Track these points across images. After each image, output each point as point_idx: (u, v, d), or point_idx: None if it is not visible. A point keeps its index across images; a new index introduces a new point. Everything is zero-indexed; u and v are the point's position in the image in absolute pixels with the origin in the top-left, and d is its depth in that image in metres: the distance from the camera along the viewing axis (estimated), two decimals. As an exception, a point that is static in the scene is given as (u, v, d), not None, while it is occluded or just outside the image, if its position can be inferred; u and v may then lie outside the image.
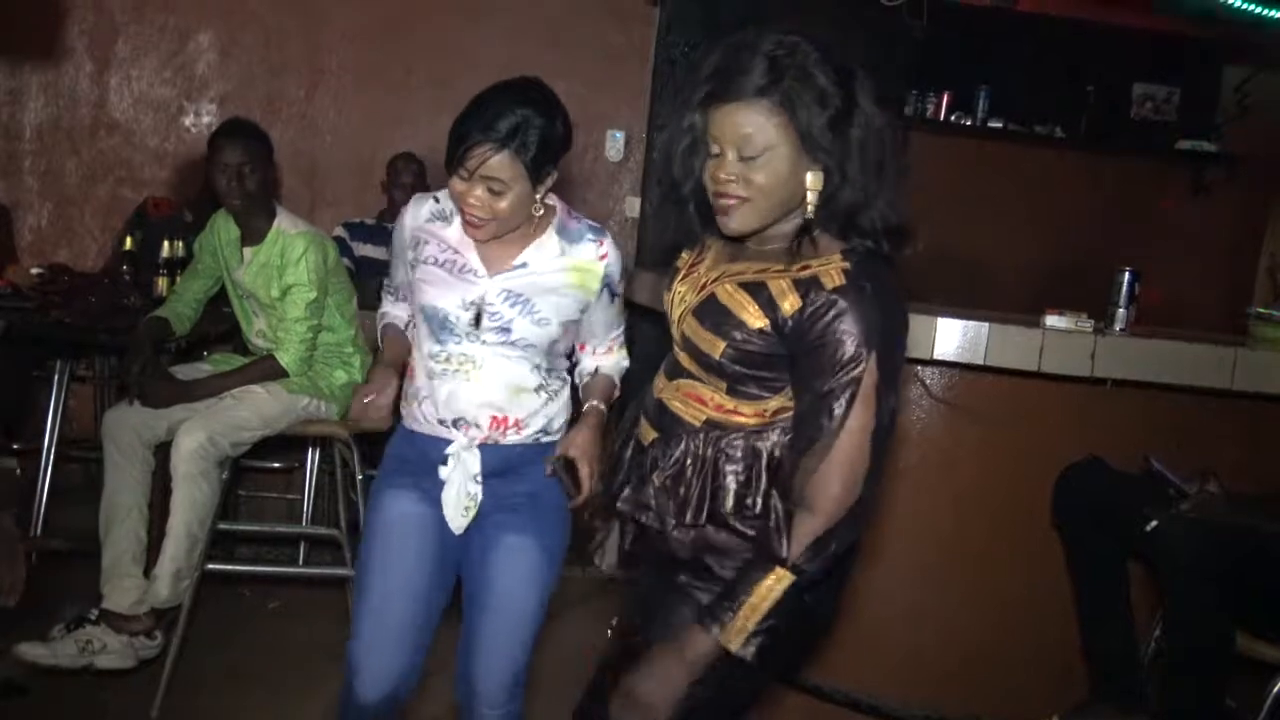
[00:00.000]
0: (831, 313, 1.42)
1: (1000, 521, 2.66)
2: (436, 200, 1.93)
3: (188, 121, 4.24)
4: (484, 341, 1.86)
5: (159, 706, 2.68)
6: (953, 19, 4.38)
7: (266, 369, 2.88)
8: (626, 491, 1.63)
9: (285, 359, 2.87)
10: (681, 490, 1.55)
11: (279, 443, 3.06)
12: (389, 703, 1.95)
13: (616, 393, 2.05)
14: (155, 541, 2.80)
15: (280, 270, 2.89)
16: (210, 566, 2.84)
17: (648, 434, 1.64)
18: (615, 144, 4.46)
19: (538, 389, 1.91)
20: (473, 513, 1.90)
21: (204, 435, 2.70)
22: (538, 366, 1.90)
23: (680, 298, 1.61)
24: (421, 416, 1.91)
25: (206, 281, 3.09)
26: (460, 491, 1.89)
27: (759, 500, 1.51)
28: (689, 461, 1.55)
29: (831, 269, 1.45)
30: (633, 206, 4.50)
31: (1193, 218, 4.87)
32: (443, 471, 1.89)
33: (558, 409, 1.96)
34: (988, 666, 2.65)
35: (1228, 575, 2.15)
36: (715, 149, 1.47)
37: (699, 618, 1.49)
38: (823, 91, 1.42)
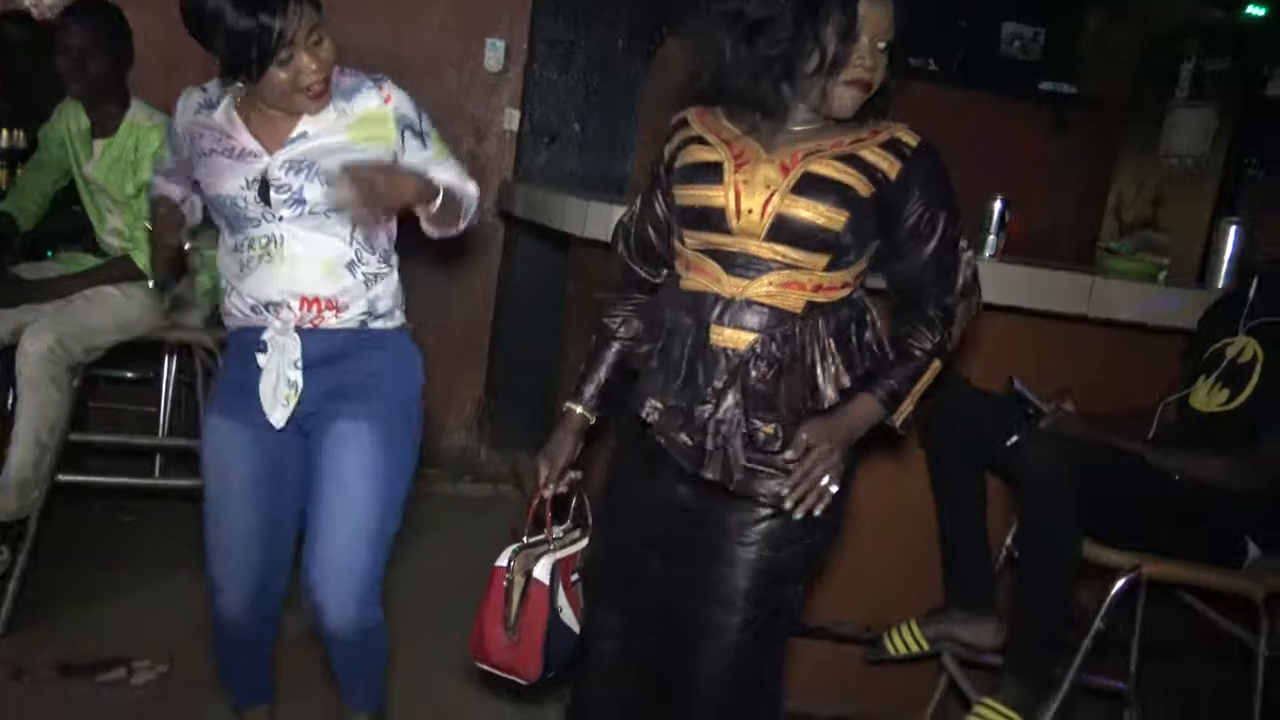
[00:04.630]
0: (925, 169, 1.62)
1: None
2: (204, 90, 1.86)
3: (28, 2, 3.89)
4: (281, 218, 1.79)
5: (4, 622, 2.56)
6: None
7: (122, 270, 2.73)
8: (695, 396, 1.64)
9: (143, 260, 2.72)
10: (796, 377, 1.62)
11: (133, 351, 2.91)
12: (256, 618, 1.94)
13: (440, 200, 1.86)
14: (0, 451, 2.64)
15: (135, 165, 2.73)
16: (61, 477, 2.71)
17: (740, 339, 1.62)
18: (495, 54, 4.31)
19: (350, 266, 1.84)
20: (293, 402, 1.82)
21: (52, 338, 2.55)
22: (349, 241, 1.83)
23: (757, 184, 1.60)
24: (235, 309, 1.87)
25: (53, 174, 2.89)
26: (279, 379, 1.81)
27: (862, 360, 1.68)
28: (800, 347, 1.62)
29: (901, 132, 1.64)
30: (512, 119, 4.37)
31: (1053, 156, 5.06)
32: (261, 359, 1.82)
33: (383, 292, 1.89)
34: (856, 579, 2.75)
35: (1077, 487, 2.28)
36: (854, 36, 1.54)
37: (873, 392, 1.67)
38: None
